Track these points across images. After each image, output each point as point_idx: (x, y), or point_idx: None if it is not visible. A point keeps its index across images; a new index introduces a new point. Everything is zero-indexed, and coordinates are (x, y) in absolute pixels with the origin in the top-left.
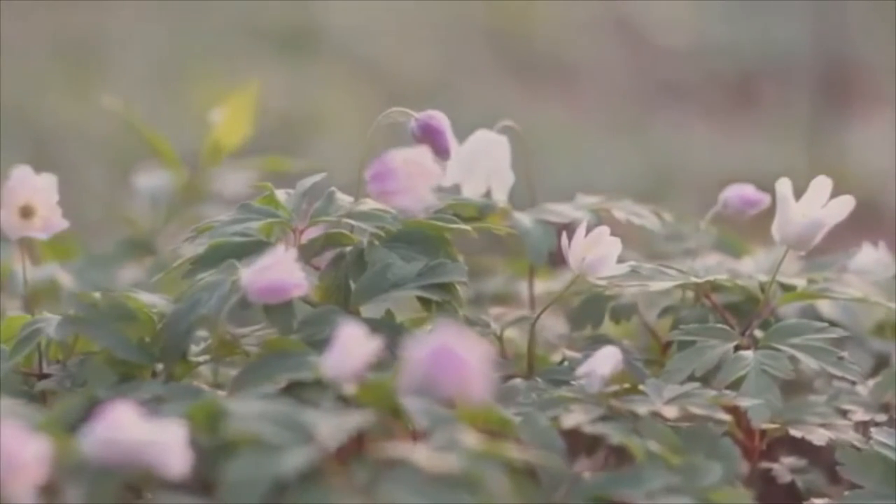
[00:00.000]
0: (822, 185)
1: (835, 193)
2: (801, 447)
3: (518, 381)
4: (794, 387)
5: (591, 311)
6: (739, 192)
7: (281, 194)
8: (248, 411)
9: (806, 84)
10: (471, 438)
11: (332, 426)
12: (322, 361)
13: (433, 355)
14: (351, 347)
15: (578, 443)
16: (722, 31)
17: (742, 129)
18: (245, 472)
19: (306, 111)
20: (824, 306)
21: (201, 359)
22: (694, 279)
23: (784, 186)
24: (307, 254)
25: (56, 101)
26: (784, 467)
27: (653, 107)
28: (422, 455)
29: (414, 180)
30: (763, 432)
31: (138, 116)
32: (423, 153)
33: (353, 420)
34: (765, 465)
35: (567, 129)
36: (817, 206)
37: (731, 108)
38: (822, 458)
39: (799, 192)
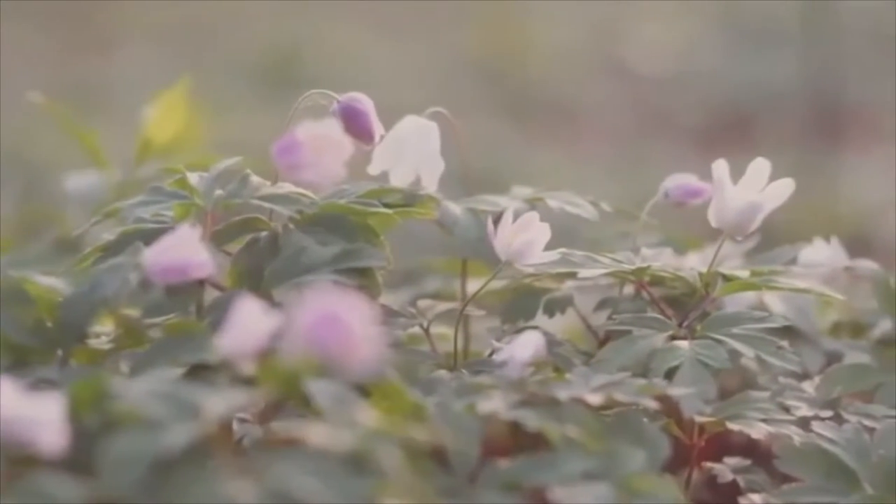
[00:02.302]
0: (759, 167)
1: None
2: (750, 452)
3: (443, 372)
4: (740, 386)
5: (524, 305)
6: (681, 183)
7: (193, 177)
8: (134, 390)
9: (800, 120)
10: (368, 417)
11: (219, 403)
12: (219, 340)
13: (317, 321)
14: (248, 325)
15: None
16: (716, 66)
17: (735, 164)
18: (125, 449)
19: None
20: (776, 305)
21: (106, 347)
22: (626, 266)
23: (720, 169)
24: (221, 239)
25: (53, 140)
26: (726, 467)
27: (646, 143)
28: (316, 433)
29: (322, 154)
30: (702, 428)
31: (68, 115)
32: (332, 127)
33: (243, 397)
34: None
35: (561, 164)
36: (755, 189)
37: (725, 144)
38: (769, 462)
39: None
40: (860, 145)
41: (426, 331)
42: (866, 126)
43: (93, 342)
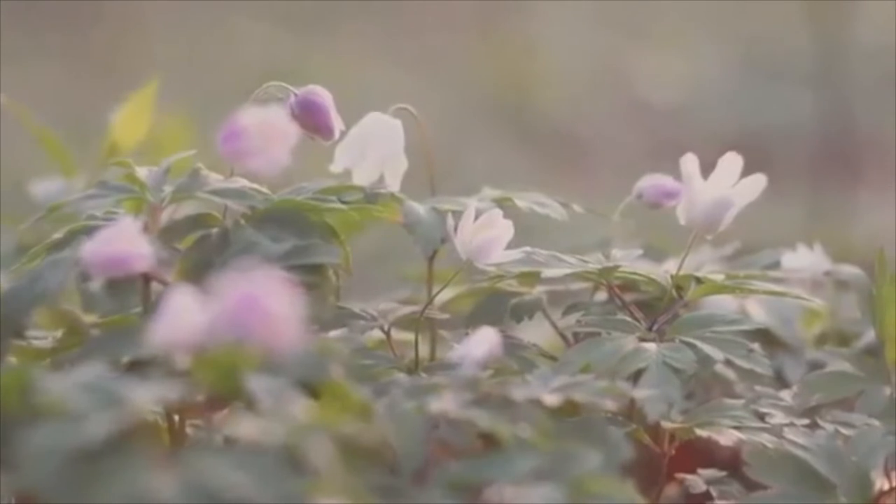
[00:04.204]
0: (731, 162)
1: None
2: (731, 465)
3: (400, 375)
4: (717, 394)
5: (490, 309)
6: (655, 183)
7: (142, 171)
8: (59, 382)
9: (813, 154)
10: (303, 411)
11: (144, 394)
12: (151, 330)
13: (236, 304)
14: (181, 316)
15: None
16: (729, 100)
17: None
18: (44, 441)
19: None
20: (758, 313)
21: (49, 347)
22: (593, 266)
23: (690, 164)
24: (171, 235)
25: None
26: (699, 478)
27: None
28: (247, 427)
29: (268, 141)
30: (672, 435)
31: (34, 119)
32: (278, 114)
33: (172, 389)
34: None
35: (571, 196)
36: (726, 184)
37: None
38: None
39: None
40: (874, 181)
41: (387, 334)
42: (880, 161)
43: (37, 342)
